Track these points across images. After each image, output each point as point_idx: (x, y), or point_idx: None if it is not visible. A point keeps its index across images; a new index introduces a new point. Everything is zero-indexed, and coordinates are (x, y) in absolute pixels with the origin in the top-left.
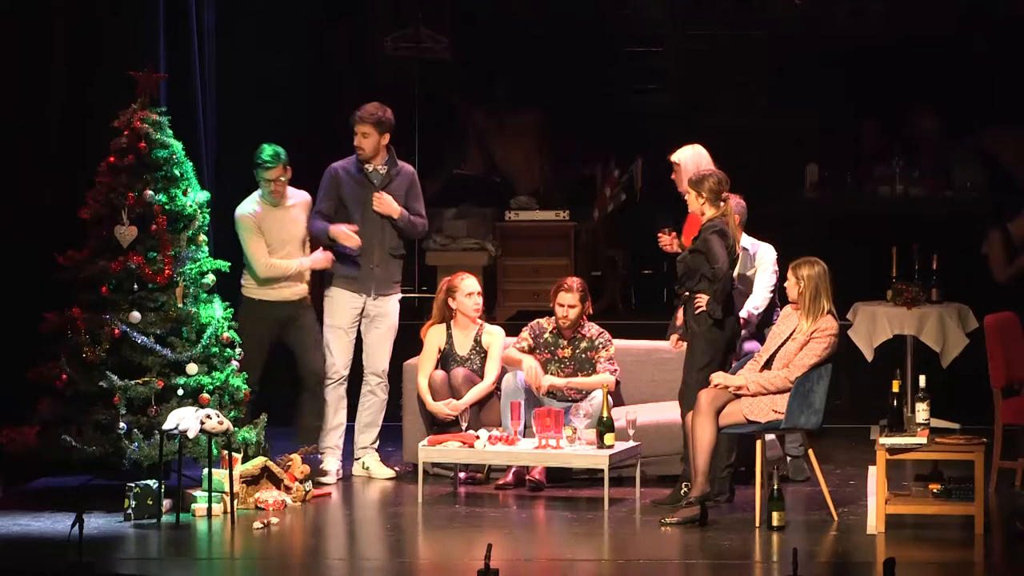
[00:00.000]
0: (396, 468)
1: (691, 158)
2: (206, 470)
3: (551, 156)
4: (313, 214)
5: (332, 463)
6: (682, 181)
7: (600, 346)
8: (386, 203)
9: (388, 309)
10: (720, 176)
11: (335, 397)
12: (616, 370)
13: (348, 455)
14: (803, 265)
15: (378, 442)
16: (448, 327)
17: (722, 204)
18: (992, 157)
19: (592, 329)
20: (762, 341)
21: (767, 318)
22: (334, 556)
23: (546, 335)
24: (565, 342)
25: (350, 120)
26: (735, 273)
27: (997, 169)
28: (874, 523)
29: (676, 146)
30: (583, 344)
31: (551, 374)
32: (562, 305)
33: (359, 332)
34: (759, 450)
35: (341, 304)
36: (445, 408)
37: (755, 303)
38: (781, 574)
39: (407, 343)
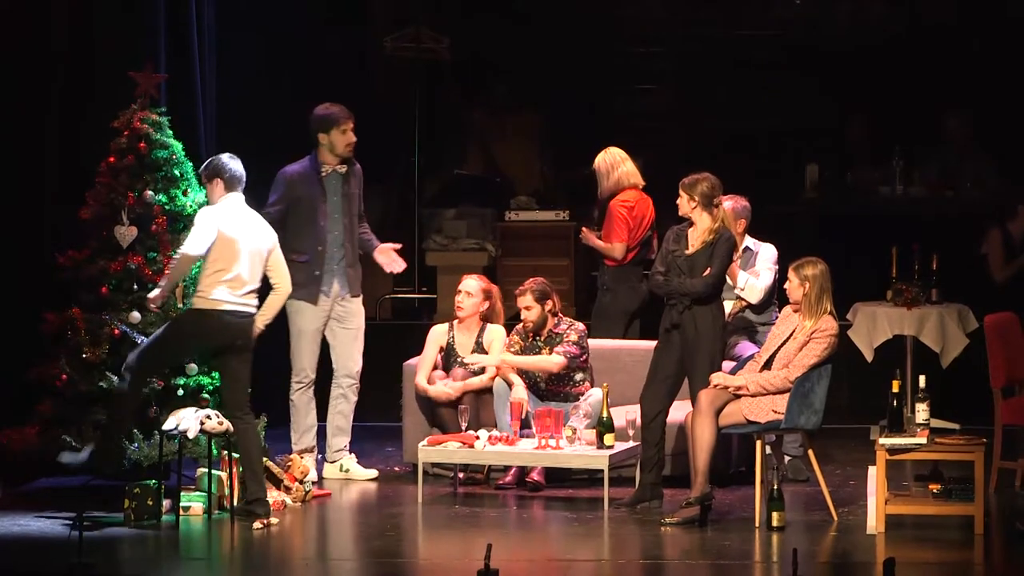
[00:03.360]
0: (377, 468)
1: (602, 163)
2: (202, 469)
3: (551, 156)
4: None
5: (308, 461)
6: (600, 187)
7: (565, 334)
8: (398, 262)
9: (357, 309)
10: (714, 181)
11: (304, 400)
12: (571, 352)
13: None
14: (806, 265)
15: (348, 442)
16: (451, 327)
17: (715, 210)
18: (991, 156)
19: (563, 324)
20: (760, 343)
21: (765, 319)
22: (334, 556)
23: (531, 339)
24: (542, 341)
25: (332, 118)
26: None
27: (997, 168)
28: (874, 523)
29: (676, 146)
30: (558, 340)
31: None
32: (521, 308)
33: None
34: (759, 450)
35: (308, 308)
36: (444, 388)
37: (750, 297)
38: (781, 574)
39: (408, 343)
